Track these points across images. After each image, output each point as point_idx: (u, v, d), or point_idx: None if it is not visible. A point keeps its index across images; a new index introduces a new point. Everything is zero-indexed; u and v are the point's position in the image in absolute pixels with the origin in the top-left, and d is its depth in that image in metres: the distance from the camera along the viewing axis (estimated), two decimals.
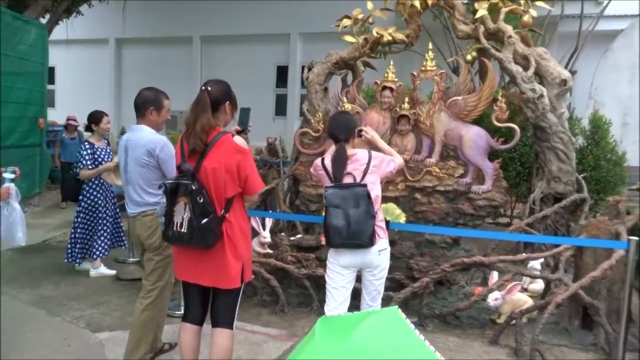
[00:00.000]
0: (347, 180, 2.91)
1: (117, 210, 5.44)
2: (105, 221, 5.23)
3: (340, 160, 2.93)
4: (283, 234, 5.19)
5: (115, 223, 5.40)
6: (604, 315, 3.60)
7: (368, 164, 2.94)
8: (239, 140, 2.64)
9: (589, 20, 10.88)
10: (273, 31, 16.21)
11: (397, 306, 2.64)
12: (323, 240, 5.10)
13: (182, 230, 2.52)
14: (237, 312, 2.76)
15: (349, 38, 5.75)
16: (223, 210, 2.60)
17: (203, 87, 2.64)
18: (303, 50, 16.50)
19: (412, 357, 2.25)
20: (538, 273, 4.30)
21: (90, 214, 5.17)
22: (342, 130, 2.99)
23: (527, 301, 3.95)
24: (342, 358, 2.19)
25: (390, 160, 3.05)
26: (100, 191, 5.19)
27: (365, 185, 2.86)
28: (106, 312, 4.15)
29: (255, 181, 2.68)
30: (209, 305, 2.82)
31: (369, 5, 5.71)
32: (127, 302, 4.38)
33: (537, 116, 5.13)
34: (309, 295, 4.26)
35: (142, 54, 18.02)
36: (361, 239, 2.80)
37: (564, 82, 5.22)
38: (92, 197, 5.14)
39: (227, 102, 2.72)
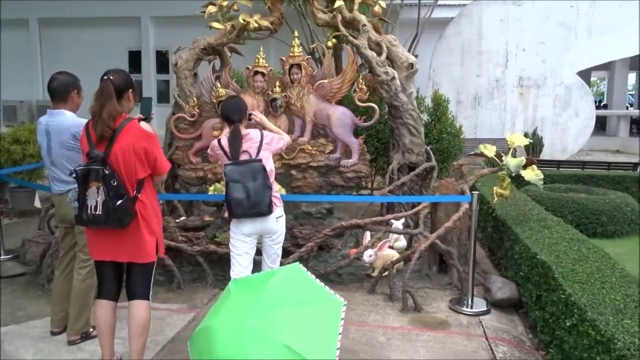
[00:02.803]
0: (244, 157, 3.21)
1: None
2: None
3: (236, 139, 3.22)
4: (167, 217, 5.31)
5: None
6: (456, 259, 4.37)
7: (261, 141, 3.27)
8: (145, 125, 2.82)
9: (426, 9, 12.17)
10: (122, 14, 15.53)
11: (297, 262, 3.06)
12: (207, 220, 5.36)
13: (97, 212, 2.66)
14: (152, 284, 2.96)
15: (216, 25, 5.91)
16: (135, 191, 2.78)
17: (105, 77, 2.77)
18: (156, 35, 16.06)
19: (317, 299, 2.69)
20: (404, 231, 4.99)
21: None
22: (235, 112, 3.28)
23: (395, 255, 4.59)
24: (259, 308, 2.54)
25: (279, 139, 3.41)
26: None
27: (260, 161, 3.20)
28: None
29: (163, 162, 2.90)
30: (122, 282, 2.99)
31: None
32: (13, 297, 4.24)
33: (390, 96, 5.78)
34: (202, 270, 4.50)
35: None
36: (260, 208, 3.14)
37: (411, 65, 5.94)
38: None
39: (130, 89, 2.89)
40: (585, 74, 16.42)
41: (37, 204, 7.61)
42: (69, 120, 3.28)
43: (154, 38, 16.02)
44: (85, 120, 3.22)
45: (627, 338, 2.31)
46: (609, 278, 3.08)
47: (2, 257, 5.33)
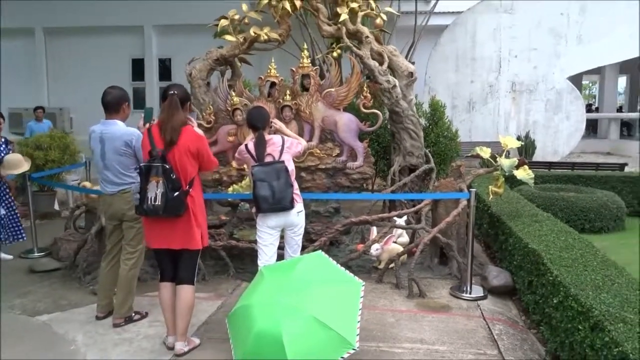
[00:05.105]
0: (268, 159, 3.65)
1: (13, 203, 5.63)
2: None
3: (261, 144, 3.65)
4: None
5: (11, 217, 5.52)
6: (456, 251, 4.80)
7: (282, 146, 3.70)
8: (197, 130, 3.30)
9: (421, 17, 12.61)
10: (125, 23, 15.86)
11: (320, 250, 3.49)
12: (223, 219, 5.77)
13: (157, 203, 3.13)
14: (196, 271, 3.44)
15: (228, 37, 6.34)
16: (188, 186, 3.24)
17: (171, 92, 3.27)
18: (158, 43, 16.40)
19: (339, 280, 3.12)
20: (408, 226, 5.42)
21: None
22: (260, 120, 3.71)
23: (399, 249, 5.02)
24: (291, 287, 2.97)
25: (298, 143, 3.86)
26: None
27: (283, 162, 3.64)
28: (36, 299, 4.41)
29: (211, 160, 3.41)
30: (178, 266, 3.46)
31: (244, 7, 6.37)
32: (52, 289, 4.66)
33: (392, 103, 6.22)
34: (224, 264, 4.92)
35: None
36: (284, 204, 3.58)
37: (411, 74, 6.39)
38: None
39: (189, 102, 3.37)
40: (576, 78, 16.91)
41: (56, 206, 8.02)
42: (121, 129, 3.73)
43: (156, 46, 16.37)
44: (133, 129, 3.67)
45: (603, 307, 2.75)
46: (591, 262, 3.52)
47: (36, 254, 5.76)
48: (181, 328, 3.37)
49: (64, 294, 4.54)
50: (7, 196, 5.60)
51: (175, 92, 3.27)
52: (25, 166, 5.76)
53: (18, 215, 5.66)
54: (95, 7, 15.52)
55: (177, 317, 3.37)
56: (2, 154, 5.48)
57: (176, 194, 3.16)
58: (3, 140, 5.57)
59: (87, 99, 13.58)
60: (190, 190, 3.28)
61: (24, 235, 5.69)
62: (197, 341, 3.52)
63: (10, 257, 5.67)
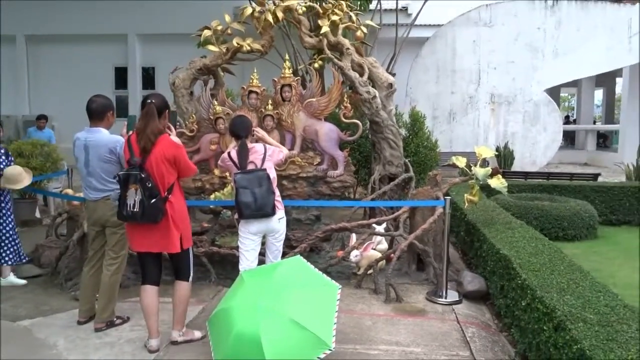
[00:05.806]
0: (250, 167, 3.76)
1: (12, 219, 5.32)
2: (6, 228, 5.18)
3: (244, 152, 3.77)
4: None
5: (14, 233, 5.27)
6: (432, 257, 4.94)
7: (264, 154, 3.82)
8: (174, 138, 3.40)
9: (402, 29, 12.86)
10: (109, 31, 15.91)
11: (299, 255, 3.60)
12: (205, 226, 5.86)
13: (135, 209, 3.23)
14: (192, 268, 3.64)
15: (211, 47, 6.45)
16: (166, 193, 3.34)
17: (149, 101, 3.37)
18: (142, 51, 16.45)
19: (317, 283, 3.23)
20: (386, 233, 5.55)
21: None
22: (242, 129, 3.82)
23: (378, 255, 5.14)
24: (270, 290, 3.07)
25: (279, 151, 3.98)
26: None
27: (265, 170, 3.75)
28: (17, 305, 4.44)
29: (189, 167, 3.52)
30: (161, 270, 3.63)
31: (227, 18, 6.49)
32: (34, 295, 4.69)
33: (372, 113, 6.38)
34: (206, 270, 5.00)
35: None
36: (265, 210, 3.69)
37: (391, 85, 6.56)
38: None
39: (167, 110, 3.46)
40: (555, 90, 17.31)
41: (37, 214, 8.02)
42: (105, 137, 3.82)
43: (140, 55, 16.41)
44: (117, 137, 3.77)
45: (566, 308, 2.90)
46: (558, 267, 3.68)
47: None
48: (178, 313, 3.60)
49: (46, 299, 4.58)
50: (9, 212, 5.22)
51: (153, 100, 3.38)
52: (26, 180, 5.22)
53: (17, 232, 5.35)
54: (79, 15, 15.55)
55: (174, 306, 3.61)
56: (2, 166, 5.03)
57: (153, 201, 3.27)
58: (3, 151, 5.13)
59: (69, 107, 13.60)
60: (170, 196, 3.39)
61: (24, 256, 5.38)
62: (197, 334, 3.69)
63: (24, 282, 5.15)
